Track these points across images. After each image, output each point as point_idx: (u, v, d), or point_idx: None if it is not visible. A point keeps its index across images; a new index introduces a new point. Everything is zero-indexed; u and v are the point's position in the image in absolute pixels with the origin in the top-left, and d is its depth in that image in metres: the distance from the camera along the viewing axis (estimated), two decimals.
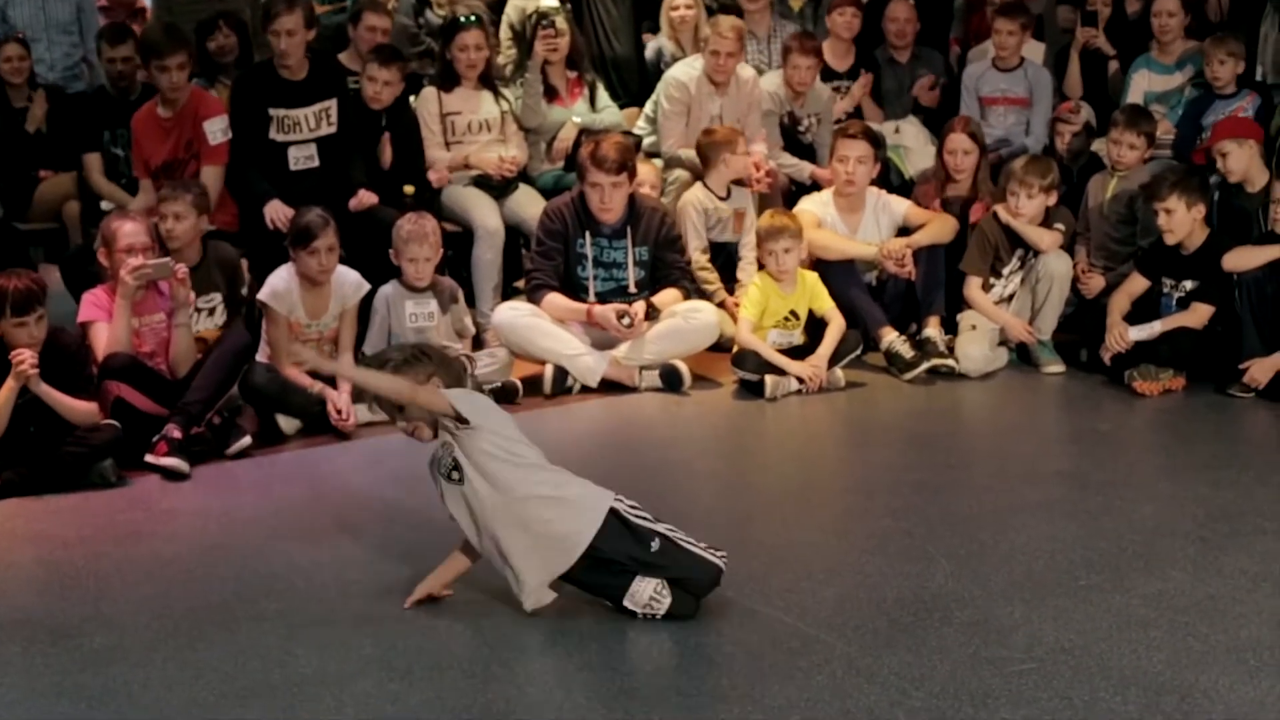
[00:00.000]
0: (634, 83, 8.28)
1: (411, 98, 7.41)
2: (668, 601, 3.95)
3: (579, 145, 7.23)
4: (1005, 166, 7.21)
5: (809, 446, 6.08)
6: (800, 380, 6.40)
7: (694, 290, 6.86)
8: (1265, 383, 6.15)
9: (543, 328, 6.49)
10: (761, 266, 6.66)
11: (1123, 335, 6.41)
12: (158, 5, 8.82)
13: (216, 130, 6.86)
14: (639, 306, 6.52)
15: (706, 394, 6.49)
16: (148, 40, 7.10)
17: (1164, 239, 6.44)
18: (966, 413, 6.41)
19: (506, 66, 7.76)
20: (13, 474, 5.24)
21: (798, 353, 6.51)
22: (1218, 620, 3.94)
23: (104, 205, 6.95)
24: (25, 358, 5.20)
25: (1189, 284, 6.44)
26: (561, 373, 6.45)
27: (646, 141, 7.71)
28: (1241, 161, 6.69)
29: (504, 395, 6.23)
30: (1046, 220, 6.74)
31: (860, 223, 6.99)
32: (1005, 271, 6.81)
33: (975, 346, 6.67)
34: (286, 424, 5.95)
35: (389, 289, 6.39)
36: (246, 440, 5.68)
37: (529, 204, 7.26)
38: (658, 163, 7.53)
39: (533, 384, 6.42)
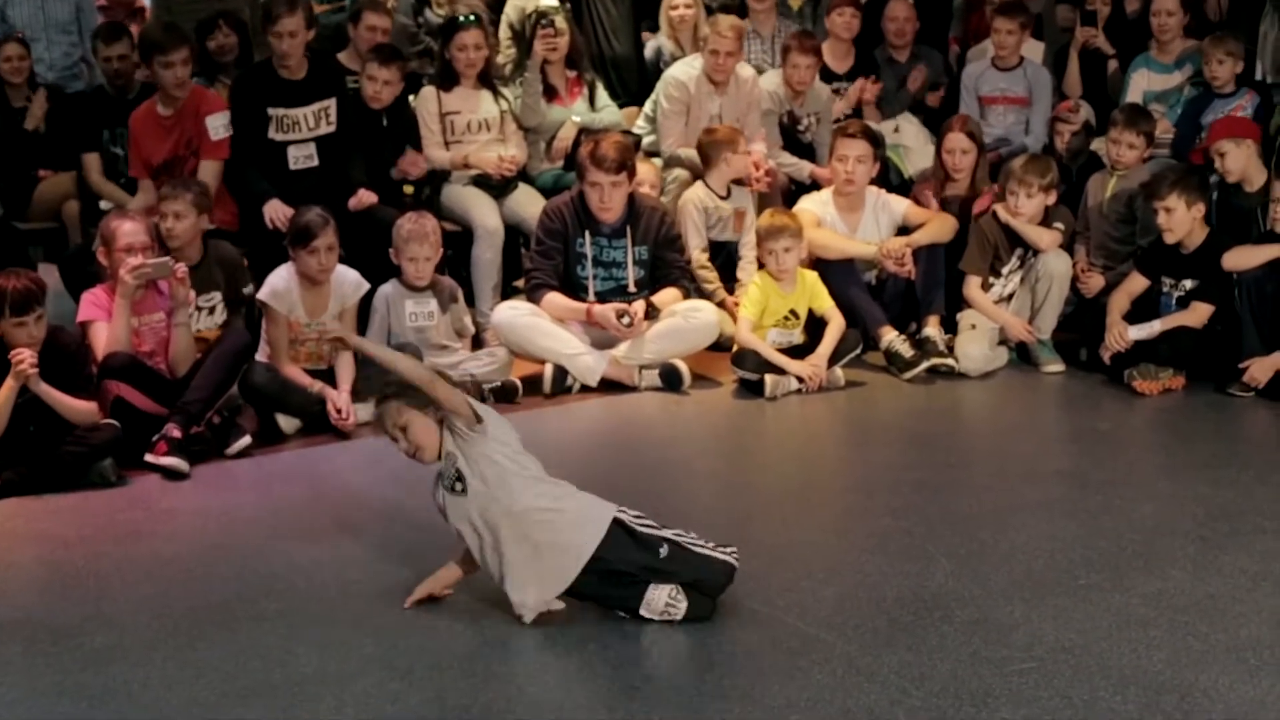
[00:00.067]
0: (633, 82, 8.28)
1: (411, 97, 7.40)
2: (684, 605, 3.94)
3: (578, 144, 7.22)
4: (1004, 166, 7.21)
5: (809, 446, 6.08)
6: (800, 379, 6.40)
7: (694, 289, 6.86)
8: (1265, 382, 6.15)
9: (542, 327, 6.48)
10: (761, 266, 6.66)
11: (1122, 334, 6.41)
12: (157, 5, 8.82)
13: (219, 126, 6.87)
14: (639, 306, 6.51)
15: (706, 393, 6.48)
16: (149, 37, 7.10)
17: (1163, 238, 6.44)
18: (966, 412, 6.41)
19: (506, 66, 7.76)
20: (13, 474, 5.23)
21: (798, 352, 6.51)
22: (1218, 619, 3.94)
23: (103, 205, 6.94)
24: (25, 357, 5.20)
25: (1189, 283, 6.44)
26: (561, 372, 6.45)
27: (646, 141, 7.71)
28: (1239, 161, 6.69)
29: (504, 394, 6.25)
30: (1046, 219, 6.74)
31: (860, 222, 6.99)
32: (1005, 271, 6.81)
33: (975, 346, 6.67)
34: (286, 423, 5.95)
35: (389, 288, 6.40)
36: (246, 440, 5.68)
37: (528, 203, 7.26)
38: (657, 162, 7.52)
39: (532, 383, 6.42)
